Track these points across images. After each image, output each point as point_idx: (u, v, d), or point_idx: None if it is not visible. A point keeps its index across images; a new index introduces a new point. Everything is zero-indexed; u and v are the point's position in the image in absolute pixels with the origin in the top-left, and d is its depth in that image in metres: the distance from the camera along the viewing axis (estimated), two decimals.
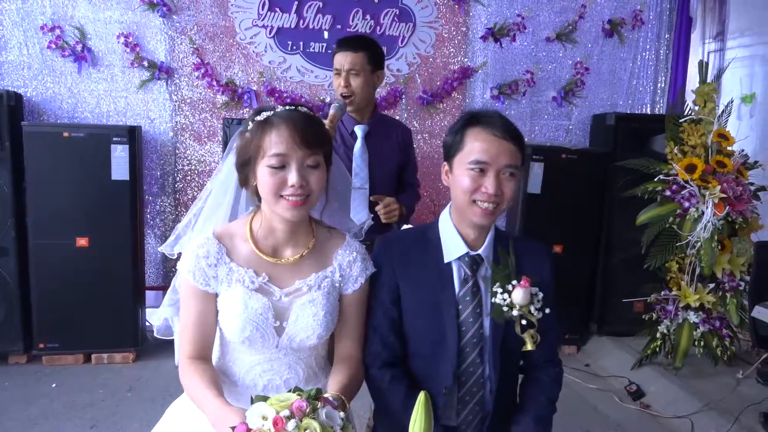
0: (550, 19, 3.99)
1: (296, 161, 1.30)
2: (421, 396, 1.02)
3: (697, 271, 3.16)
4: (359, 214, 2.43)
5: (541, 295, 1.45)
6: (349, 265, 1.45)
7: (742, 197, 3.07)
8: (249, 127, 1.35)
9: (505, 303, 1.42)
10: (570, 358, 3.70)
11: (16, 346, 3.27)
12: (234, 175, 1.43)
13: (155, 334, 1.67)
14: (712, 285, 3.19)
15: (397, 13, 3.82)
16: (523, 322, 1.43)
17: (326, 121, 2.22)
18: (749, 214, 3.10)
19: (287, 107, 1.36)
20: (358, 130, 2.51)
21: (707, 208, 3.01)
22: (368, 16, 3.78)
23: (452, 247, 1.49)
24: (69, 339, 3.29)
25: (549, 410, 1.50)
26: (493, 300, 1.44)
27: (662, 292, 3.26)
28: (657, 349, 3.28)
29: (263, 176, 1.31)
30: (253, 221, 1.43)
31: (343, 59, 2.45)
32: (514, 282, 1.43)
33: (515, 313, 1.41)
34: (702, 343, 3.17)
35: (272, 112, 1.34)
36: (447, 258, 1.48)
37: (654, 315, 3.27)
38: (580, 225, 3.67)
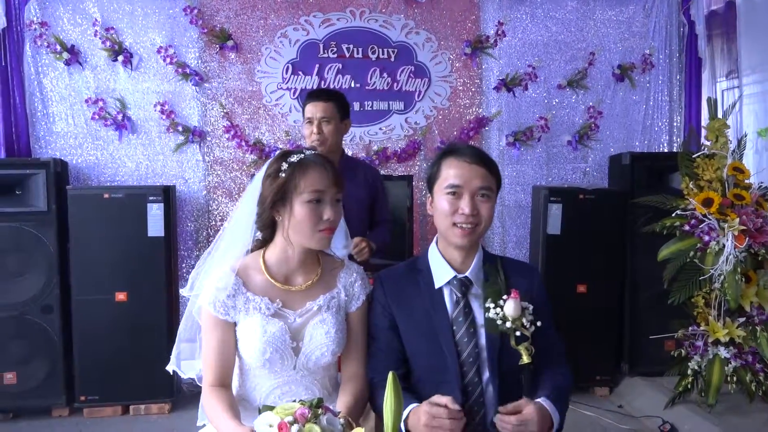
0: (561, 67, 4.14)
1: (330, 197, 1.52)
2: (390, 376, 1.09)
3: (724, 305, 3.14)
4: (338, 249, 2.56)
5: (531, 307, 1.51)
6: (351, 284, 1.61)
7: (763, 229, 3.08)
8: (284, 169, 1.49)
9: (499, 316, 1.49)
10: (602, 400, 3.64)
11: (59, 400, 3.40)
12: (253, 215, 1.57)
13: (184, 377, 1.76)
14: (741, 319, 3.15)
15: (413, 69, 4.03)
16: (517, 334, 1.48)
17: None
18: None
19: (308, 151, 1.56)
20: None
21: (727, 240, 3.02)
22: (385, 74, 4.00)
23: (441, 273, 1.59)
24: (108, 391, 3.40)
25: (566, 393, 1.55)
26: (486, 315, 1.51)
27: (690, 328, 3.23)
28: (689, 386, 3.22)
29: (301, 209, 1.48)
30: (265, 254, 1.57)
31: (314, 108, 2.63)
32: (505, 296, 1.50)
33: (509, 325, 1.47)
34: (735, 379, 3.11)
35: (303, 156, 1.51)
36: (437, 284, 1.58)
37: (683, 351, 3.23)
38: (602, 264, 3.68)
